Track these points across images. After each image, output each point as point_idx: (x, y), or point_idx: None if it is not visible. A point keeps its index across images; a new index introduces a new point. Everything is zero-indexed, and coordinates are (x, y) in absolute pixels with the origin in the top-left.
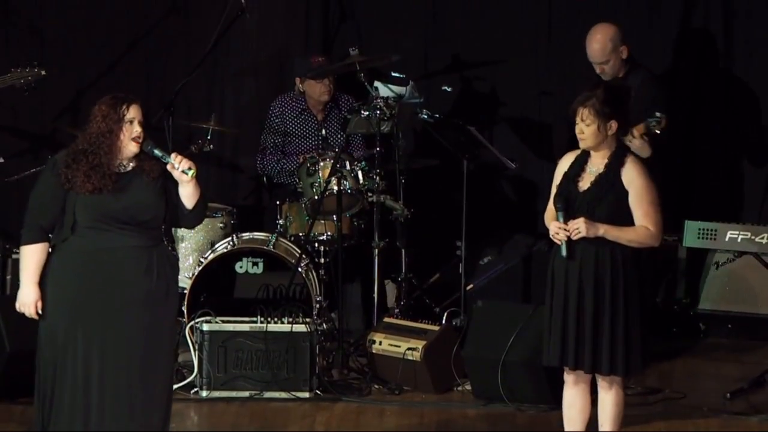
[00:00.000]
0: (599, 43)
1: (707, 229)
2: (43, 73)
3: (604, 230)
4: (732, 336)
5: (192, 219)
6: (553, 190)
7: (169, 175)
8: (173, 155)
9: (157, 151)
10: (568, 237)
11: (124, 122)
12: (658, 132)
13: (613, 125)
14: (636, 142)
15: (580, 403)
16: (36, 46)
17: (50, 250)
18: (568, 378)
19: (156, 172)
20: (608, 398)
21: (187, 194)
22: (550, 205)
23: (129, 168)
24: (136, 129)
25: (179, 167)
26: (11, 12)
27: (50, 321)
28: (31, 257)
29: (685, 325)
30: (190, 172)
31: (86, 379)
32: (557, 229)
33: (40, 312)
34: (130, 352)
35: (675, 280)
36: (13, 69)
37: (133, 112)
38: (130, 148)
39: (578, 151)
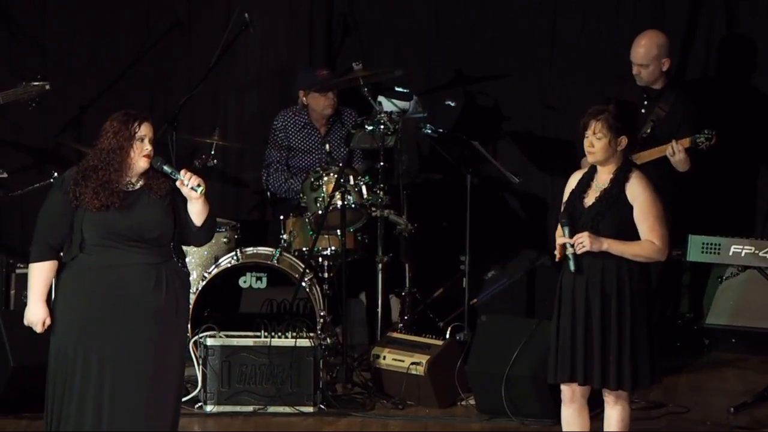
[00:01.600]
0: (645, 46)
1: (711, 244)
2: (48, 87)
3: (608, 244)
4: (736, 350)
5: (201, 236)
6: (563, 207)
7: (178, 193)
8: (182, 171)
9: (166, 168)
10: (574, 251)
11: (135, 139)
12: (705, 148)
13: (623, 141)
14: (679, 155)
15: (579, 421)
16: (39, 60)
17: (60, 268)
18: (565, 394)
19: (164, 190)
20: (614, 414)
21: (196, 211)
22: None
23: (137, 186)
24: (147, 147)
25: (188, 183)
26: (15, 27)
27: (60, 338)
28: (39, 275)
29: (688, 340)
30: (199, 189)
31: (96, 395)
32: (563, 244)
33: (47, 329)
34: (139, 368)
35: (678, 295)
36: (18, 84)
37: (144, 130)
38: (140, 164)
39: (586, 169)
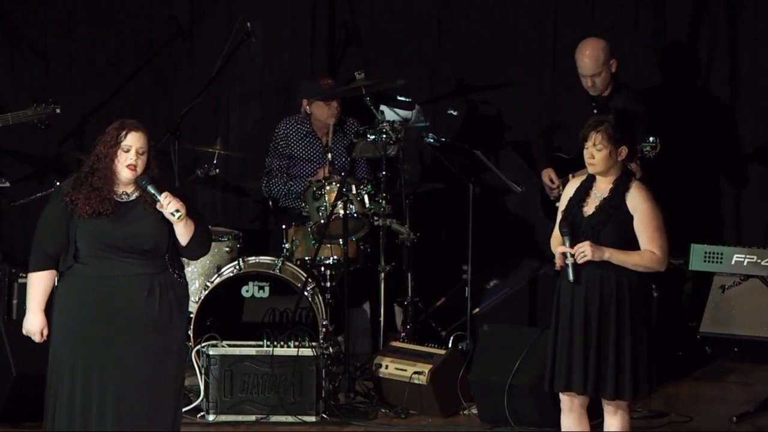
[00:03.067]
0: (591, 56)
1: (713, 253)
2: (58, 111)
3: (609, 254)
4: (738, 359)
5: (189, 253)
6: (559, 216)
7: None
8: (163, 195)
9: (150, 188)
10: (574, 261)
11: (119, 148)
12: (651, 157)
13: (623, 151)
14: (632, 165)
15: (579, 430)
16: (41, 70)
17: (59, 277)
18: (564, 403)
19: None
20: (614, 423)
21: (179, 232)
22: (556, 231)
23: (132, 197)
24: (131, 156)
25: (167, 209)
26: (17, 36)
27: (57, 348)
28: (38, 284)
29: (691, 349)
30: (177, 215)
31: (95, 405)
32: (563, 253)
33: (45, 338)
34: (135, 378)
35: (681, 304)
36: (29, 106)
37: (131, 140)
38: (124, 174)
39: (583, 177)
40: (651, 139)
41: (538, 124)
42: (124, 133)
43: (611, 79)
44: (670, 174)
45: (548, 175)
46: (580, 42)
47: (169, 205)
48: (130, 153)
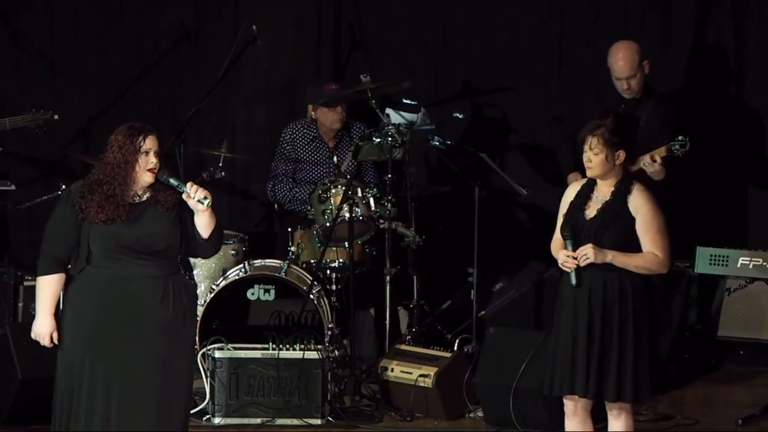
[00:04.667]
0: (625, 58)
1: (719, 256)
2: (56, 117)
3: (612, 256)
4: (744, 362)
5: (208, 248)
6: (560, 220)
7: (185, 205)
8: (189, 184)
9: (172, 180)
10: (577, 265)
11: (140, 153)
12: (680, 155)
13: (621, 155)
14: (656, 166)
15: None
16: (47, 74)
17: (68, 280)
18: (568, 407)
19: (171, 202)
20: (618, 426)
21: (203, 223)
22: (557, 235)
23: (144, 198)
24: (152, 160)
25: (195, 196)
26: (23, 40)
27: (68, 351)
28: (47, 288)
29: (696, 352)
30: (206, 201)
31: (104, 409)
32: (565, 257)
33: (56, 342)
34: (147, 381)
35: (687, 307)
36: (27, 111)
37: (149, 143)
38: (145, 178)
39: (584, 180)
40: (680, 137)
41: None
42: (142, 137)
43: (644, 83)
44: (676, 177)
45: (576, 178)
46: (612, 45)
47: (197, 192)
48: (150, 156)
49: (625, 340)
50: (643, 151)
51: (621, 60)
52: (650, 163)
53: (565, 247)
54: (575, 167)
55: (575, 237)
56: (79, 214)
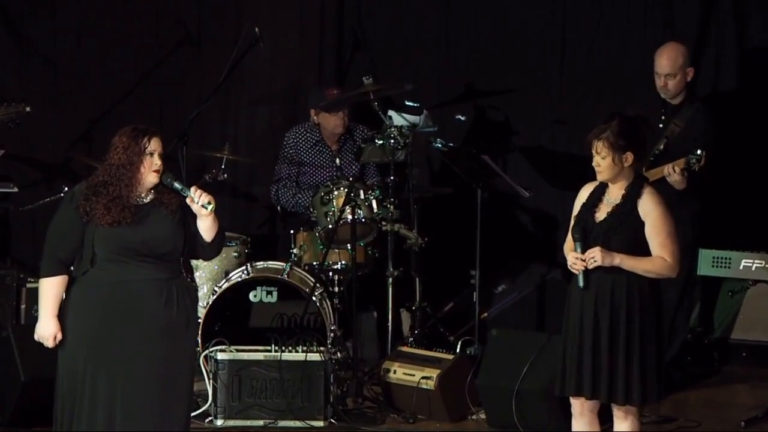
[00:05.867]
0: (669, 56)
1: (721, 258)
2: (28, 109)
3: (620, 260)
4: (746, 364)
5: (210, 251)
6: (573, 222)
7: (188, 207)
8: (193, 189)
9: (176, 184)
10: (585, 267)
11: (144, 154)
12: (696, 170)
13: (629, 157)
14: (675, 176)
15: None
16: (50, 75)
17: (71, 282)
18: (575, 408)
19: (174, 204)
20: (624, 427)
21: (206, 227)
22: (570, 236)
23: (147, 200)
24: (156, 161)
25: (198, 201)
26: (25, 42)
27: (70, 353)
28: (50, 290)
29: (699, 354)
30: (210, 207)
31: (107, 410)
32: (574, 259)
33: (58, 344)
34: (150, 383)
35: (689, 309)
36: None
37: (154, 145)
38: (150, 179)
39: (597, 182)
40: (699, 151)
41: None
42: (147, 139)
43: (684, 88)
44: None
45: None
46: (666, 43)
47: (201, 197)
48: (154, 157)
49: (632, 342)
50: (668, 160)
51: (664, 56)
52: (670, 173)
53: (575, 249)
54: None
55: (585, 239)
56: (83, 217)
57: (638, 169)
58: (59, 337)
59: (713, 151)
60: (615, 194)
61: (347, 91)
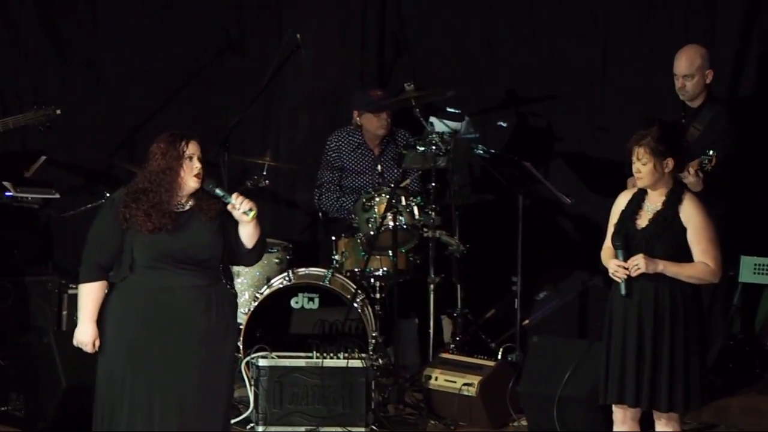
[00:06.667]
0: (687, 57)
1: (763, 265)
2: (59, 112)
3: (663, 266)
4: None
5: (251, 257)
6: (610, 230)
7: (228, 214)
8: (234, 195)
9: (218, 191)
10: (628, 275)
11: (184, 159)
12: (708, 170)
13: (670, 163)
14: (690, 178)
15: None
16: (91, 81)
17: (110, 288)
18: (617, 416)
19: (214, 211)
20: None
21: (248, 234)
22: (607, 244)
23: (186, 207)
24: (197, 165)
25: (240, 208)
26: (67, 48)
27: (109, 360)
28: (89, 295)
29: (741, 361)
30: (251, 213)
31: (146, 417)
32: (616, 267)
33: (97, 350)
34: (188, 390)
35: (731, 316)
36: (29, 108)
37: (192, 149)
38: (191, 184)
39: (634, 190)
40: (710, 152)
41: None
42: (185, 143)
43: (704, 90)
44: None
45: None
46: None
47: (242, 204)
48: (194, 161)
49: (676, 349)
50: (691, 160)
51: (683, 56)
52: (685, 175)
53: (616, 257)
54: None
55: (627, 247)
56: (123, 223)
57: (677, 175)
58: (98, 342)
59: (735, 153)
60: (655, 201)
61: (389, 96)
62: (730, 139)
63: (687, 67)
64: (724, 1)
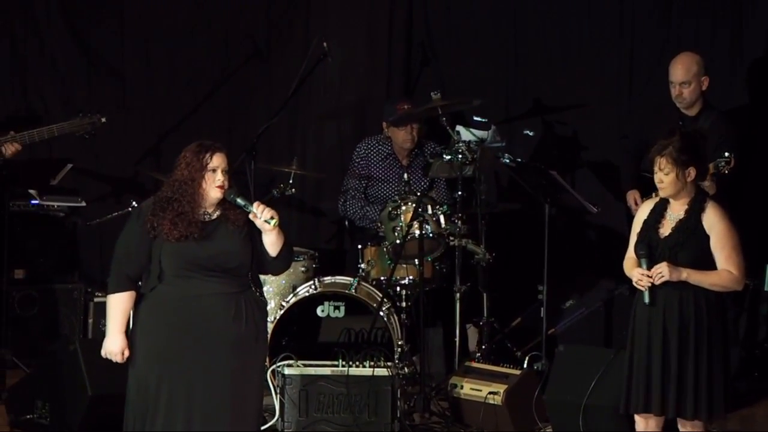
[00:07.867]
0: (683, 65)
1: None
2: (103, 120)
3: (686, 274)
4: None
5: (277, 265)
6: (632, 239)
7: (254, 223)
8: (255, 204)
9: (239, 200)
10: (652, 283)
11: (206, 170)
12: (726, 172)
13: (692, 172)
14: (705, 182)
15: None
16: (118, 89)
17: (139, 298)
18: (639, 425)
19: (241, 220)
20: None
21: (271, 242)
22: (629, 253)
23: (214, 216)
24: (219, 177)
25: (261, 216)
26: (94, 56)
27: (140, 370)
28: (118, 306)
29: (766, 369)
30: (272, 222)
31: (181, 425)
32: (640, 275)
33: (127, 360)
34: (221, 398)
35: (757, 324)
36: (73, 116)
37: (216, 161)
38: (213, 195)
39: (656, 199)
40: (726, 154)
41: (622, 145)
42: (209, 155)
43: (700, 97)
44: (746, 193)
45: (633, 196)
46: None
47: (263, 213)
48: (217, 174)
49: (701, 358)
50: None
51: (678, 64)
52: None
53: (640, 266)
54: (634, 185)
55: (650, 255)
56: (150, 233)
57: (699, 184)
58: (127, 353)
59: (739, 157)
60: (678, 210)
61: (416, 106)
62: (732, 142)
63: (683, 74)
64: (750, 10)
